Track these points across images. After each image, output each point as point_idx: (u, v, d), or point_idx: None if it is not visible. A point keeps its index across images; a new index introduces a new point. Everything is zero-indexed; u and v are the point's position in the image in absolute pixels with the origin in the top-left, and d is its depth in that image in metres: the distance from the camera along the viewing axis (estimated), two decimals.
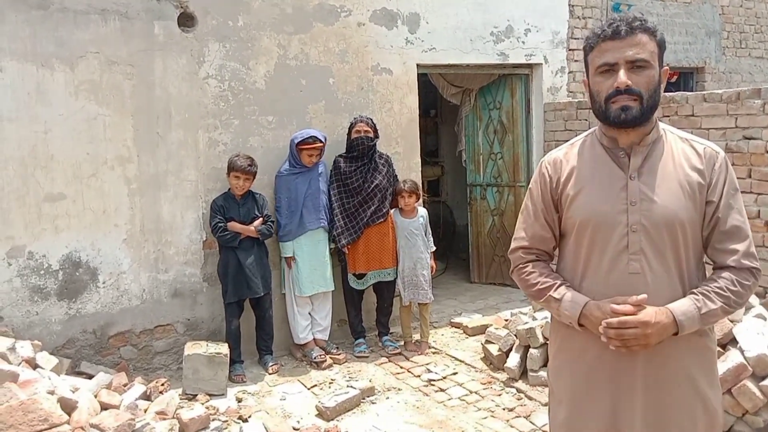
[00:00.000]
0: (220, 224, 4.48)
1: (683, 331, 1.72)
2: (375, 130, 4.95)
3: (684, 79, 7.95)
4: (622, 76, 1.73)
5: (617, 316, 1.71)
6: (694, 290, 1.77)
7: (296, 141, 4.73)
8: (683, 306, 1.72)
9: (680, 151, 1.84)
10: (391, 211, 5.04)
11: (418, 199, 5.08)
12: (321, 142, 4.73)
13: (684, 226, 1.77)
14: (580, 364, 1.89)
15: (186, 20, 4.62)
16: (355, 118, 4.96)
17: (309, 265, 4.80)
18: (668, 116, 4.87)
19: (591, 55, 1.83)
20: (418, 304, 5.08)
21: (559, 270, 1.98)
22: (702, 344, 1.84)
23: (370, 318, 5.27)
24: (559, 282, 1.89)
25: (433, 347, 5.06)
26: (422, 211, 5.10)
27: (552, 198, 1.94)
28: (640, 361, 1.79)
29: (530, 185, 2.04)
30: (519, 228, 2.04)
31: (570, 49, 6.43)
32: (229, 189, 4.61)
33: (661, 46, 1.79)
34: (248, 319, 4.77)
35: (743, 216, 1.83)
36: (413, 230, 4.99)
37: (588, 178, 1.86)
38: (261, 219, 4.60)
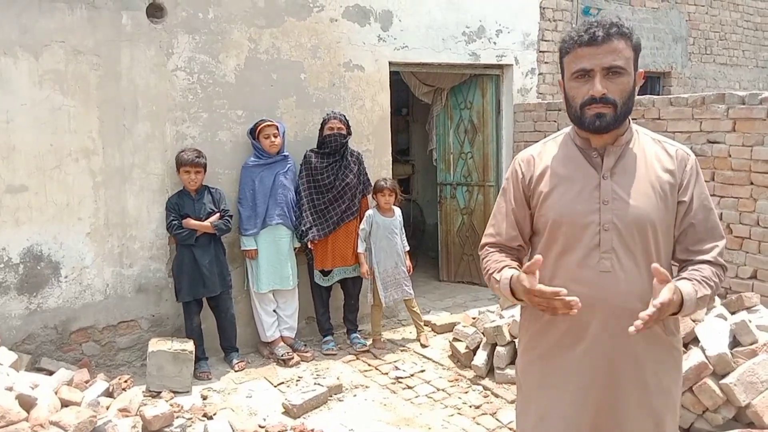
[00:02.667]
0: (174, 222, 4.43)
1: (683, 312, 1.71)
2: (348, 127, 4.93)
3: (651, 83, 8.10)
4: (598, 85, 1.74)
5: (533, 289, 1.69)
6: (685, 276, 1.77)
7: (250, 129, 4.77)
8: (687, 287, 1.71)
9: (652, 152, 1.86)
10: (370, 211, 5.01)
11: (397, 197, 5.08)
12: (273, 122, 4.73)
13: (654, 226, 1.80)
14: (549, 361, 1.90)
15: (155, 11, 4.54)
16: (327, 114, 4.93)
17: (267, 261, 4.75)
18: (635, 119, 4.94)
19: (566, 59, 1.83)
20: (404, 301, 5.11)
21: None
22: (669, 342, 1.87)
23: (338, 316, 5.25)
24: (504, 264, 1.90)
25: (401, 345, 5.07)
26: (397, 210, 5.11)
27: (524, 195, 1.96)
28: (611, 359, 1.80)
29: (504, 182, 2.05)
30: (490, 224, 2.06)
31: (540, 51, 6.49)
32: (184, 187, 4.55)
33: (637, 50, 1.80)
34: (212, 316, 4.70)
35: (716, 216, 1.87)
36: (393, 229, 5.00)
37: (561, 176, 1.88)
38: (218, 214, 4.54)
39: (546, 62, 6.52)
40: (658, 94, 7.45)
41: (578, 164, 1.87)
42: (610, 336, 1.79)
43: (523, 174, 1.96)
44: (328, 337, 5.05)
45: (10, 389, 3.24)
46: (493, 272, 1.92)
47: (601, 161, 1.84)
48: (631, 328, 1.58)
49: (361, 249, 4.95)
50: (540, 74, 6.50)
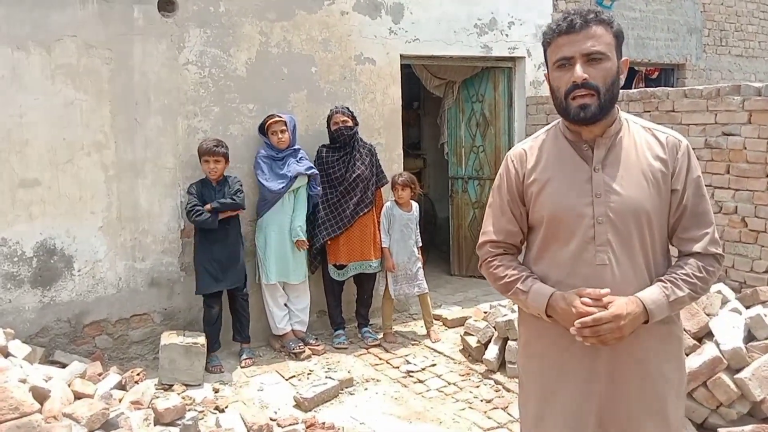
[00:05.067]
0: (197, 207, 4.35)
1: (653, 318, 1.73)
2: (353, 118, 4.93)
3: (665, 75, 8.02)
4: (579, 70, 1.73)
5: (584, 308, 1.72)
6: (662, 278, 1.79)
7: (259, 126, 4.79)
8: (652, 294, 1.74)
9: (643, 141, 1.85)
10: (388, 203, 5.01)
11: (413, 192, 5.06)
12: (281, 117, 4.72)
13: (649, 216, 1.79)
14: (549, 358, 1.90)
15: (166, 5, 4.55)
16: (331, 110, 4.94)
17: (275, 253, 4.75)
18: (649, 111, 4.89)
19: (549, 50, 1.84)
20: (419, 296, 5.09)
21: (527, 262, 1.98)
22: (667, 331, 1.86)
23: (350, 309, 5.25)
24: (525, 274, 1.89)
25: (412, 339, 5.06)
26: (415, 205, 5.10)
27: (518, 191, 1.95)
28: (608, 352, 1.80)
29: (496, 180, 2.03)
30: (486, 222, 2.03)
31: None
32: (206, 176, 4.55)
33: (619, 37, 1.80)
34: (226, 310, 4.71)
35: (708, 203, 1.86)
36: (409, 223, 4.99)
37: (553, 171, 1.87)
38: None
39: None
40: (673, 87, 7.36)
41: (569, 158, 1.86)
42: None
43: (517, 170, 1.95)
44: (340, 331, 5.06)
45: (23, 381, 3.26)
46: (512, 281, 1.89)
47: (591, 153, 1.84)
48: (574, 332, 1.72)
49: (386, 244, 4.95)
50: None
